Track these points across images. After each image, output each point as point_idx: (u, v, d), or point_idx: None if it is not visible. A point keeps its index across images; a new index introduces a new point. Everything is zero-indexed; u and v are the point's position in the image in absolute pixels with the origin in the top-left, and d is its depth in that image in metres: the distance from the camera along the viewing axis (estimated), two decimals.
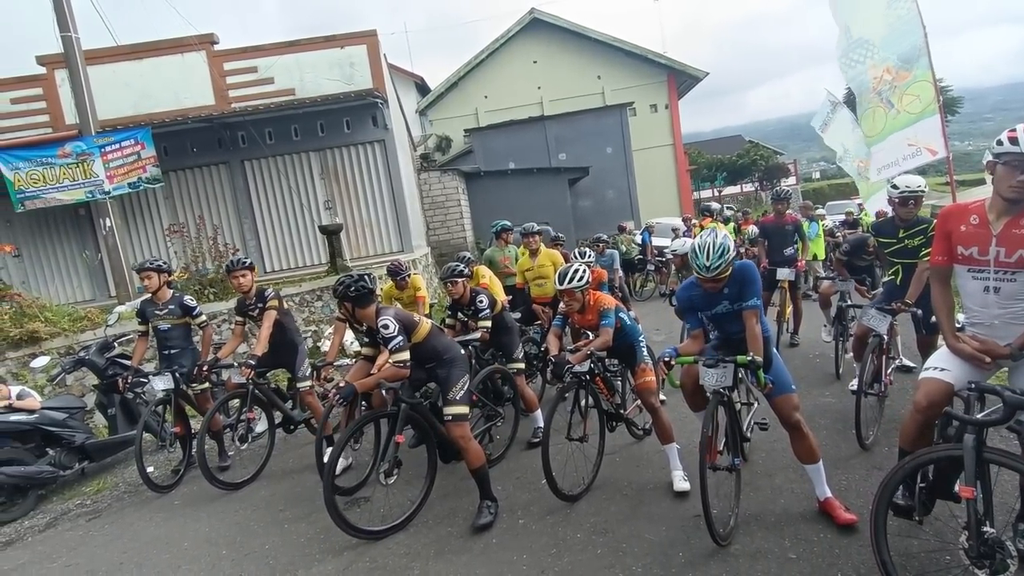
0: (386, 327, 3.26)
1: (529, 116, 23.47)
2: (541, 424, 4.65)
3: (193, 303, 4.92)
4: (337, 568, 3.18)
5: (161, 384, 4.67)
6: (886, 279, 4.47)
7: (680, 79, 25.07)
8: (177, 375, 4.69)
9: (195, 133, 10.63)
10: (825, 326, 5.77)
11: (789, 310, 6.65)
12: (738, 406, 3.21)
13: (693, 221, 12.77)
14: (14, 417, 4.66)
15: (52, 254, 11.14)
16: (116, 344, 5.64)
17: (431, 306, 6.21)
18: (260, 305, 4.69)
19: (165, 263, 4.88)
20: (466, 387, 3.54)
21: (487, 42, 25.22)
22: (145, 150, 9.38)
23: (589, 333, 4.58)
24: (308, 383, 4.80)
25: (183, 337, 4.98)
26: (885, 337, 3.97)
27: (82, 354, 5.38)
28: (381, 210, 11.62)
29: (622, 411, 3.97)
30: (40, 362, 5.63)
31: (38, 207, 9.58)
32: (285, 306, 4.88)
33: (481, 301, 4.48)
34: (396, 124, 12.14)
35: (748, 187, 43.24)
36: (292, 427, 5.04)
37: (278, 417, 4.94)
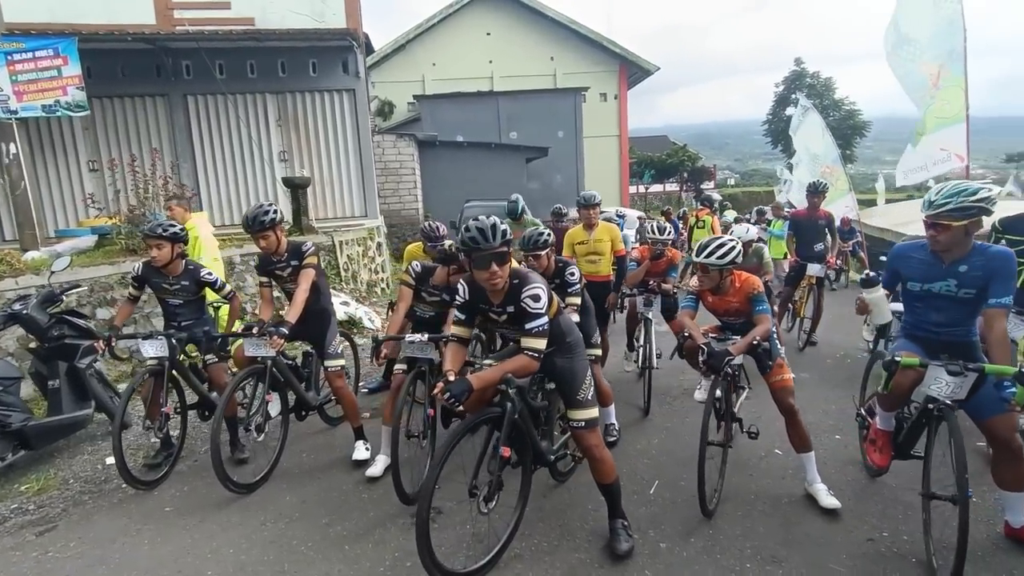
0: (536, 298, 2.49)
1: (478, 90, 22.57)
2: (613, 420, 4.10)
3: (212, 277, 3.91)
4: None
5: (152, 350, 3.60)
6: None
7: (631, 70, 25.17)
8: (174, 341, 3.64)
9: (129, 56, 8.88)
10: (867, 325, 5.67)
11: (804, 308, 6.54)
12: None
13: (683, 210, 12.92)
14: None
15: None
16: (64, 297, 4.36)
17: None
18: (294, 262, 3.74)
19: (181, 230, 3.82)
20: (592, 383, 2.88)
21: (440, 6, 23.86)
22: (68, 66, 7.61)
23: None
24: (339, 362, 3.90)
25: (196, 310, 4.01)
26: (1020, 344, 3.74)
27: (18, 307, 4.04)
28: (345, 168, 10.44)
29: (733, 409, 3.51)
30: None
31: None
32: (320, 264, 3.93)
33: (572, 274, 3.81)
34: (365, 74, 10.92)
35: (671, 187, 44.96)
36: (304, 413, 4.13)
37: (289, 400, 4.03)
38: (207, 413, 4.14)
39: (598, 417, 2.83)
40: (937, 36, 6.31)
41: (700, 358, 3.09)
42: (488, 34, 23.85)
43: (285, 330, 3.49)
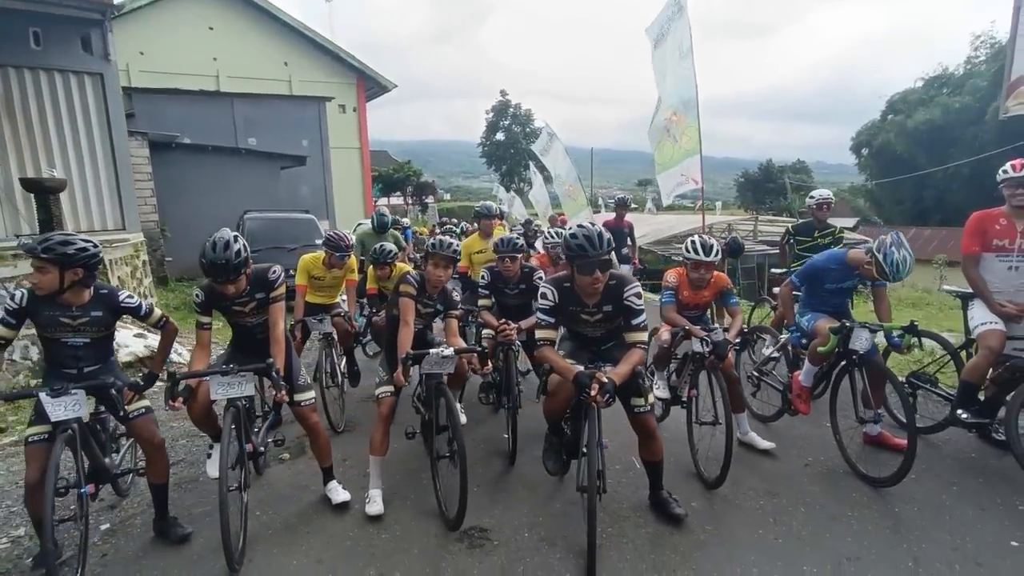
0: (639, 296, 2.86)
1: (201, 88, 19.87)
2: None
3: (134, 301, 2.95)
4: None
5: (62, 410, 2.61)
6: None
7: (369, 84, 25.24)
8: (114, 392, 2.71)
9: None
10: None
11: None
12: None
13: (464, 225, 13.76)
14: None
15: None
16: None
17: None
18: (259, 295, 3.16)
19: (80, 250, 2.68)
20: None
21: None
22: None
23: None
24: (311, 394, 3.40)
25: (104, 351, 3.00)
26: None
27: None
28: (92, 170, 8.42)
29: None
30: None
31: None
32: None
33: (540, 278, 4.11)
34: None
35: (396, 200, 46.35)
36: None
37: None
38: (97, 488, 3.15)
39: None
40: (677, 87, 8.43)
41: (705, 349, 3.49)
42: (211, 28, 21.18)
43: (282, 382, 2.97)
